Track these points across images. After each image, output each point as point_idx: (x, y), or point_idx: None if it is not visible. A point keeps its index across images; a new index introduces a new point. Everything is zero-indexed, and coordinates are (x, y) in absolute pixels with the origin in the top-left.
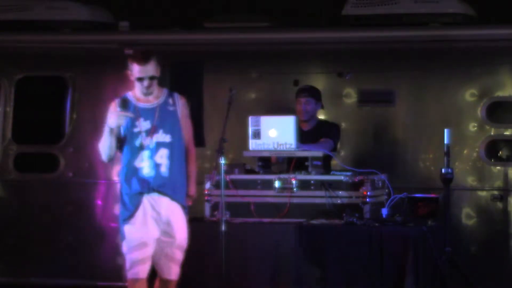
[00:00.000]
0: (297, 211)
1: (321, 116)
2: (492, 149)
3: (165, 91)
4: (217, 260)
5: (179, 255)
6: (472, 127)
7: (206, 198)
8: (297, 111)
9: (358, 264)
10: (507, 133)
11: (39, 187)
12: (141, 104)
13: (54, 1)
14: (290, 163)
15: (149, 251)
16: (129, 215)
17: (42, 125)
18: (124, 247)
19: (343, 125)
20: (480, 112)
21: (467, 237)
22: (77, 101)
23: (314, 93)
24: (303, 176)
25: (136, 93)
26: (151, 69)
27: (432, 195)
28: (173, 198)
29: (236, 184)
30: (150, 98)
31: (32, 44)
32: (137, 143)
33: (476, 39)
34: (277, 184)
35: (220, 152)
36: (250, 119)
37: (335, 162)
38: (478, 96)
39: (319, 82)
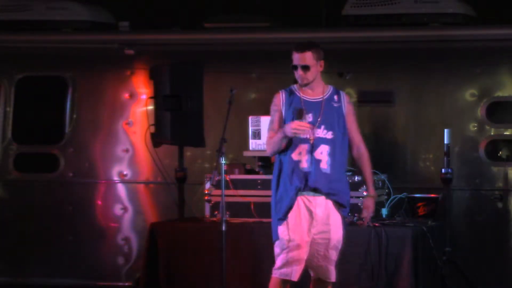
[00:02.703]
0: None
1: None
2: (492, 149)
3: (330, 88)
4: (217, 260)
5: (335, 256)
6: (472, 127)
7: (206, 198)
8: None
9: (358, 264)
10: (507, 133)
11: (39, 187)
12: (306, 97)
13: (54, 1)
14: None
15: (303, 252)
16: (283, 214)
17: (42, 125)
18: (277, 248)
19: None
20: (480, 112)
21: (467, 237)
22: (77, 101)
23: None
24: None
25: (300, 87)
26: (306, 58)
27: (432, 195)
28: (330, 196)
29: (236, 184)
30: (316, 92)
31: (32, 44)
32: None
33: (476, 39)
34: None
35: (220, 152)
36: (250, 119)
37: None
38: (478, 96)
39: None
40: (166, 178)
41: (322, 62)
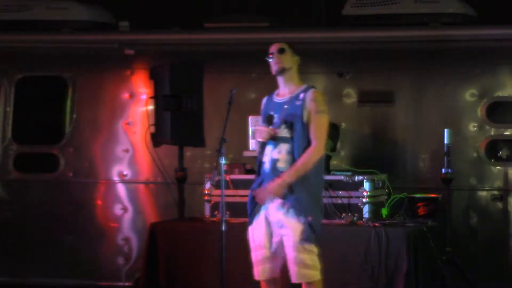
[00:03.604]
0: None
1: None
2: (492, 149)
3: (303, 86)
4: (217, 260)
5: (297, 256)
6: (472, 127)
7: (206, 198)
8: None
9: (358, 264)
10: (507, 133)
11: (39, 187)
12: (276, 98)
13: (54, 1)
14: None
15: (263, 253)
16: (249, 215)
17: (42, 125)
18: None
19: (343, 125)
20: (480, 112)
21: (467, 237)
22: (77, 101)
23: None
24: None
25: (279, 89)
26: (279, 45)
27: (432, 195)
28: (286, 196)
29: (236, 184)
30: (287, 91)
31: (32, 44)
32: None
33: (476, 39)
34: None
35: (220, 152)
36: (250, 119)
37: (335, 162)
38: (478, 96)
39: (319, 82)
40: (166, 178)
41: (297, 59)
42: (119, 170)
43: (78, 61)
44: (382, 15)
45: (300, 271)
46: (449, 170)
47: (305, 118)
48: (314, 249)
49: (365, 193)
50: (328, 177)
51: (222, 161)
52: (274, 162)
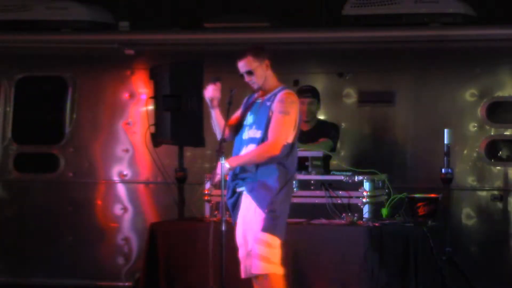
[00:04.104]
0: (297, 211)
1: (321, 116)
2: (492, 149)
3: (278, 88)
4: (217, 260)
5: (259, 249)
6: (472, 127)
7: (206, 198)
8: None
9: (358, 264)
10: (507, 133)
11: (39, 187)
12: (254, 98)
13: (54, 1)
14: None
15: (242, 251)
16: (231, 214)
17: (42, 125)
18: None
19: (343, 125)
20: (480, 112)
21: (467, 237)
22: (77, 101)
23: (316, 94)
24: (303, 176)
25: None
26: (247, 64)
27: (432, 195)
28: (249, 193)
29: None
30: (266, 93)
31: (32, 44)
32: (242, 136)
33: (476, 39)
34: None
35: (220, 152)
36: None
37: (335, 162)
38: (478, 96)
39: (319, 82)
40: (166, 178)
41: (267, 62)
42: (119, 170)
43: (78, 61)
44: (382, 15)
45: (255, 262)
46: (449, 170)
47: (270, 117)
48: (274, 241)
49: (365, 193)
50: (328, 177)
51: (222, 161)
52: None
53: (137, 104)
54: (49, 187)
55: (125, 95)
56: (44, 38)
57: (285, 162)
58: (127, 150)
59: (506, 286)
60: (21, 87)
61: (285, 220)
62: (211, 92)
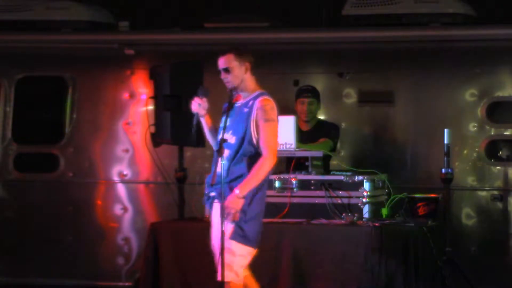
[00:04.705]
0: (297, 211)
1: (321, 116)
2: (492, 149)
3: (256, 93)
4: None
5: (227, 259)
6: (472, 127)
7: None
8: (299, 111)
9: (358, 264)
10: (507, 133)
11: (39, 187)
12: (234, 102)
13: (54, 1)
14: (290, 163)
15: (215, 256)
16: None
17: (42, 125)
18: None
19: (343, 125)
20: (480, 112)
21: (467, 237)
22: (77, 101)
23: (316, 94)
24: (303, 176)
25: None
26: (227, 61)
27: (432, 195)
28: (220, 200)
29: None
30: (243, 97)
31: (32, 44)
32: (218, 139)
33: (476, 39)
34: (277, 184)
35: (220, 152)
36: None
37: (335, 162)
38: (478, 96)
39: (319, 82)
40: (166, 178)
41: (248, 65)
42: (119, 170)
43: (78, 61)
44: (382, 15)
45: (218, 268)
46: (449, 170)
47: (251, 126)
48: (241, 251)
49: (365, 193)
50: (328, 177)
51: (222, 161)
52: (215, 167)
53: (137, 104)
54: (49, 187)
55: (125, 95)
56: (44, 38)
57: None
58: (127, 150)
59: (506, 286)
60: (21, 87)
61: (257, 227)
62: (196, 107)
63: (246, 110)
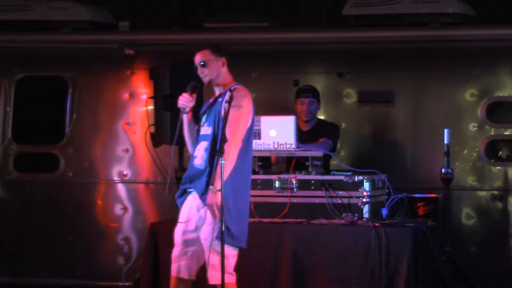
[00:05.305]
0: (297, 211)
1: (321, 116)
2: (492, 149)
3: (232, 85)
4: None
5: (213, 259)
6: (472, 127)
7: None
8: (299, 111)
9: (358, 264)
10: (507, 133)
11: (39, 187)
12: (210, 98)
13: (54, 1)
14: (290, 163)
15: (177, 251)
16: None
17: (42, 125)
18: None
19: (343, 125)
20: (480, 112)
21: (467, 237)
22: (77, 101)
23: (316, 94)
24: (303, 176)
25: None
26: (204, 56)
27: (432, 195)
28: (202, 199)
29: None
30: (217, 93)
31: (32, 44)
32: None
33: (476, 39)
34: (277, 184)
35: (220, 152)
36: None
37: (335, 162)
38: (478, 96)
39: (319, 82)
40: (166, 178)
41: (224, 60)
42: (119, 170)
43: (78, 61)
44: (382, 15)
45: (210, 273)
46: (449, 170)
47: (222, 114)
48: (229, 251)
49: (365, 193)
50: (328, 177)
51: (222, 161)
52: (192, 159)
53: (137, 104)
54: (49, 187)
55: (125, 95)
56: (44, 38)
57: (239, 162)
58: (127, 150)
59: (506, 286)
60: (21, 87)
61: (244, 223)
62: (184, 101)
63: (220, 100)
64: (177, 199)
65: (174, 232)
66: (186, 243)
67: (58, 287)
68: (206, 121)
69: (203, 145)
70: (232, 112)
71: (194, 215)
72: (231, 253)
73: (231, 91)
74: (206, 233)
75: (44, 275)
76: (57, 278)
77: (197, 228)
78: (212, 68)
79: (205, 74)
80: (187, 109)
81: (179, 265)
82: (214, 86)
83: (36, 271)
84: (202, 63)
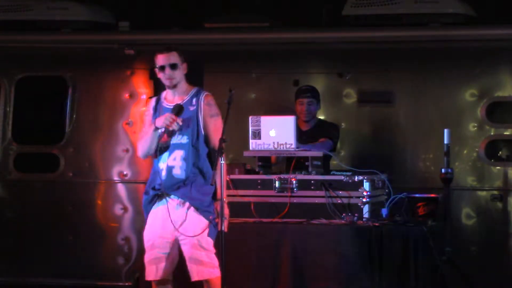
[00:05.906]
0: (297, 211)
1: (321, 116)
2: (492, 149)
3: (193, 90)
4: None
5: (201, 256)
6: (472, 127)
7: None
8: (299, 111)
9: (358, 264)
10: (507, 133)
11: (39, 187)
12: (166, 104)
13: (54, 1)
14: (290, 163)
15: (155, 253)
16: (145, 217)
17: (42, 125)
18: None
19: (343, 125)
20: (480, 112)
21: (467, 237)
22: (77, 101)
23: (316, 94)
24: (303, 176)
25: (166, 93)
26: (172, 58)
27: (432, 195)
28: (186, 200)
29: (236, 184)
30: (176, 98)
31: (32, 44)
32: (161, 144)
33: (476, 39)
34: (277, 184)
35: (220, 152)
36: (250, 119)
37: (335, 162)
38: (478, 96)
39: (319, 82)
40: None
41: (185, 65)
42: (119, 170)
43: (78, 61)
44: (382, 15)
45: (198, 268)
46: (449, 170)
47: (201, 123)
48: (212, 247)
49: (365, 193)
50: (328, 177)
51: (222, 161)
52: (169, 169)
53: (137, 104)
54: (49, 187)
55: (125, 95)
56: (44, 38)
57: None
58: (127, 150)
59: (506, 286)
60: (21, 87)
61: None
62: (168, 122)
63: (192, 108)
64: (148, 205)
65: (144, 236)
66: (163, 246)
67: (58, 287)
68: (178, 129)
69: (178, 153)
70: (214, 121)
71: (175, 214)
72: (212, 247)
73: (199, 95)
74: (189, 231)
75: (44, 275)
76: (57, 278)
77: (173, 230)
78: (179, 73)
79: (174, 77)
80: (169, 131)
81: (157, 267)
82: (175, 91)
83: (36, 271)
84: (172, 65)
